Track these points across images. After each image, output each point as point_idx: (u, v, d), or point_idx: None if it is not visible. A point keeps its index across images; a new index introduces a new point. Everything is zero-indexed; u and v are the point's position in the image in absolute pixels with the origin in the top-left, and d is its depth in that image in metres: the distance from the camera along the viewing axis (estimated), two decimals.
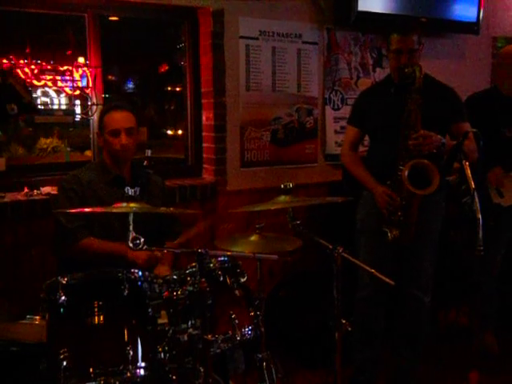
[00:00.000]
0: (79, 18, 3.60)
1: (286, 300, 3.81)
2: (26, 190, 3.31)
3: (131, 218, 1.82)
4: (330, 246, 2.13)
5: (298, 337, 3.59)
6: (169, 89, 5.26)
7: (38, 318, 2.32)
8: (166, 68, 5.22)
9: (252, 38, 3.90)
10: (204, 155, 3.96)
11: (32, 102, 0.83)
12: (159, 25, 4.13)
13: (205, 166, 3.96)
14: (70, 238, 2.56)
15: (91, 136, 3.67)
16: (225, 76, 3.82)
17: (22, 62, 3.43)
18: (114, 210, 1.94)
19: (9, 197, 3.22)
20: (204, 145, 3.95)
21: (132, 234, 1.81)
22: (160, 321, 2.00)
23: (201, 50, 3.89)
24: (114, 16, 3.73)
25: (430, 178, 2.80)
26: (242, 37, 3.86)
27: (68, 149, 5.27)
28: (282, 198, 2.33)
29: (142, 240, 1.81)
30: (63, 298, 1.85)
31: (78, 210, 2.22)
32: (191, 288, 1.97)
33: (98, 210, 2.14)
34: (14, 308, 2.26)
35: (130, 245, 1.80)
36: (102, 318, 1.85)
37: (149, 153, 3.51)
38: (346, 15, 4.12)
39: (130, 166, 2.81)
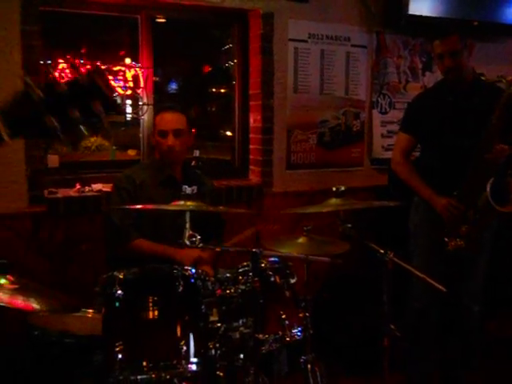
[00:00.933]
0: (133, 19, 3.68)
1: (330, 303, 3.79)
2: (77, 186, 3.40)
3: (188, 216, 1.85)
4: (382, 251, 2.12)
5: (342, 340, 3.57)
6: (213, 90, 5.32)
7: (90, 311, 2.38)
8: (211, 69, 5.28)
9: (301, 41, 3.91)
10: (250, 157, 3.98)
11: (115, 101, 0.87)
12: (205, 27, 4.19)
13: (251, 167, 3.99)
14: (121, 237, 2.62)
15: (141, 135, 3.74)
16: (273, 78, 3.84)
17: (77, 61, 3.54)
18: (172, 208, 1.98)
19: (61, 193, 3.32)
20: (251, 146, 3.97)
21: (189, 232, 1.84)
22: (211, 318, 2.03)
23: (250, 52, 3.92)
24: (165, 18, 3.80)
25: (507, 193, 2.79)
26: (291, 39, 3.87)
27: (114, 147, 5.39)
28: (334, 200, 2.32)
29: (198, 237, 1.84)
30: (119, 292, 1.90)
31: (138, 206, 2.27)
32: (243, 287, 2.00)
33: (157, 207, 2.18)
34: (68, 300, 2.31)
35: (187, 242, 1.83)
36: (156, 312, 1.89)
37: (197, 153, 3.56)
38: (395, 18, 4.09)
39: (182, 166, 2.86)
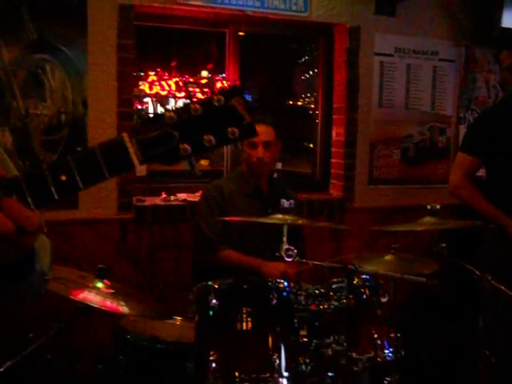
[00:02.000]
0: (220, 33, 3.76)
1: (411, 323, 3.68)
2: (163, 195, 3.49)
3: (285, 229, 1.85)
4: (478, 273, 2.04)
5: (425, 362, 3.46)
6: (290, 103, 5.32)
7: (178, 318, 2.43)
8: (291, 82, 5.29)
9: (387, 55, 3.86)
10: (332, 170, 3.96)
11: (252, 124, 0.81)
12: (284, 40, 4.21)
13: (332, 181, 3.96)
14: (210, 246, 2.66)
15: (224, 147, 3.79)
16: (358, 92, 3.80)
17: (166, 75, 3.66)
18: (269, 221, 1.99)
19: (149, 201, 3.42)
20: (332, 160, 3.95)
21: (285, 245, 1.84)
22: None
23: (335, 65, 3.91)
24: (252, 32, 3.85)
25: None
26: (377, 53, 3.83)
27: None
28: (427, 219, 2.26)
29: (295, 252, 1.84)
30: (214, 301, 1.92)
31: (234, 218, 2.30)
32: (336, 303, 1.97)
33: (254, 220, 2.20)
34: (159, 307, 2.37)
35: (284, 255, 1.83)
36: (249, 324, 1.90)
37: (279, 166, 3.57)
38: (486, 31, 3.96)
39: (268, 178, 2.88)
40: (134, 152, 0.80)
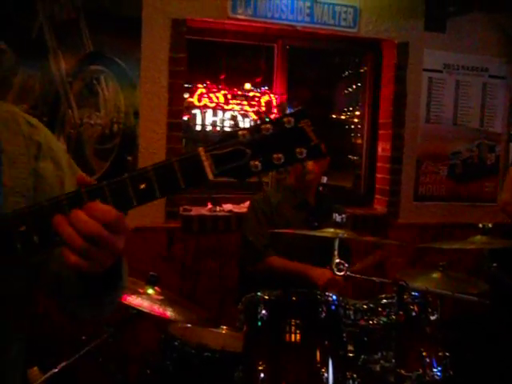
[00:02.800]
0: (269, 47, 3.82)
1: (458, 342, 3.61)
2: (209, 205, 3.54)
3: (337, 243, 1.86)
4: None
5: (472, 382, 3.38)
6: (333, 116, 5.33)
7: (224, 327, 2.46)
8: (334, 96, 5.30)
9: (436, 71, 3.84)
10: (377, 185, 3.94)
11: (320, 146, 0.85)
12: (328, 53, 4.23)
13: (377, 196, 3.94)
14: (256, 255, 2.68)
15: None
16: (405, 108, 3.79)
17: (215, 87, 3.73)
18: (321, 234, 2.00)
19: (195, 210, 3.48)
20: (377, 175, 3.94)
21: (337, 259, 1.85)
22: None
23: (382, 81, 3.91)
24: (299, 46, 3.89)
25: None
26: (425, 69, 3.82)
27: None
28: (479, 237, 2.24)
29: (346, 265, 1.84)
30: (263, 312, 1.94)
31: (286, 230, 2.33)
32: (386, 319, 1.96)
33: (304, 232, 2.22)
34: (207, 315, 2.41)
35: (334, 269, 1.84)
36: (298, 336, 1.91)
37: (324, 179, 3.57)
38: None
39: (315, 191, 2.89)
40: (208, 165, 0.84)
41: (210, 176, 0.85)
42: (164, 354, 2.28)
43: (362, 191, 4.02)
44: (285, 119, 0.87)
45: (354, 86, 4.96)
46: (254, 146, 0.86)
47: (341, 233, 1.90)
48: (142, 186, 0.84)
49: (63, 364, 1.99)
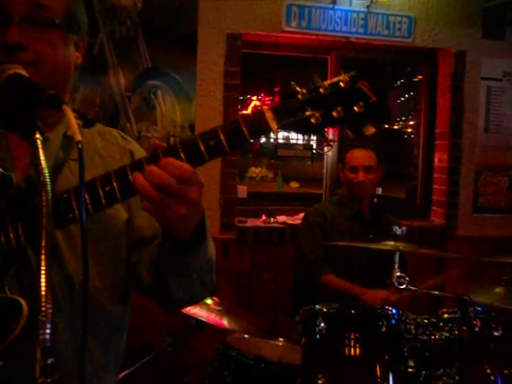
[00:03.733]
0: (322, 59, 3.82)
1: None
2: (264, 217, 3.56)
3: (397, 256, 1.84)
4: None
5: None
6: (386, 126, 5.26)
7: (281, 339, 2.46)
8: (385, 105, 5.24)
9: (495, 80, 3.74)
10: (434, 197, 3.86)
11: (379, 103, 0.89)
12: (380, 63, 4.19)
13: (434, 208, 3.86)
14: (312, 271, 2.68)
15: (324, 171, 3.83)
16: (463, 118, 3.71)
17: (269, 100, 3.76)
18: (381, 247, 1.98)
19: (250, 222, 3.50)
20: (434, 186, 3.86)
21: (397, 273, 1.82)
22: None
23: (438, 90, 3.84)
24: (353, 57, 3.88)
25: None
26: (483, 78, 3.73)
27: (281, 179, 5.57)
28: None
29: (407, 279, 1.82)
30: (322, 325, 1.92)
31: (342, 244, 2.32)
32: (448, 334, 1.91)
33: (363, 245, 2.20)
34: (262, 325, 2.42)
35: (395, 283, 1.82)
36: (357, 350, 1.89)
37: (379, 191, 3.54)
38: None
39: (369, 202, 2.87)
40: (271, 118, 0.92)
41: (274, 127, 0.92)
42: (221, 363, 2.29)
43: (418, 203, 3.95)
44: (341, 78, 0.93)
45: (407, 96, 4.90)
46: (314, 103, 0.93)
47: (402, 246, 1.87)
48: (212, 143, 0.93)
49: (125, 372, 2.04)
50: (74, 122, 0.87)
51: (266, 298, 3.39)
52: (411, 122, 4.55)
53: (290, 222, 3.45)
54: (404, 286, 1.83)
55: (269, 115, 0.92)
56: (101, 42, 3.30)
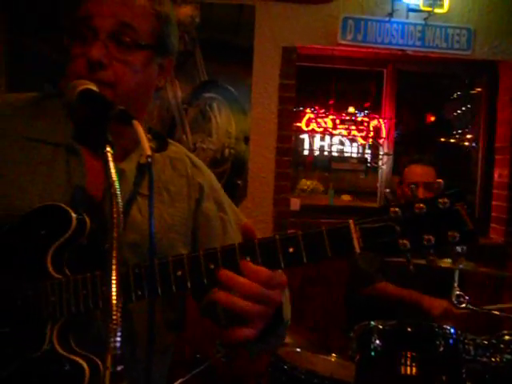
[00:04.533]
0: (378, 72, 3.79)
1: None
2: None
3: (457, 274, 1.79)
4: None
5: None
6: (442, 139, 5.16)
7: (333, 355, 2.43)
8: (434, 119, 5.14)
9: None
10: (493, 214, 3.74)
11: (474, 233, 0.79)
12: (434, 76, 4.11)
13: (493, 225, 3.74)
14: (366, 280, 2.64)
15: (378, 184, 3.78)
16: None
17: (323, 112, 3.76)
18: (439, 264, 1.94)
19: None
20: (494, 203, 3.74)
21: (457, 291, 1.78)
22: None
23: (498, 104, 3.74)
24: (410, 70, 3.83)
25: None
26: None
27: (333, 192, 5.52)
28: None
29: (467, 298, 1.77)
30: (378, 342, 1.90)
31: (400, 259, 2.27)
32: (510, 357, 1.85)
33: (419, 262, 2.15)
34: (315, 340, 2.40)
35: (454, 301, 1.77)
36: (414, 369, 1.85)
37: None
38: None
39: None
40: (356, 238, 0.86)
41: (357, 249, 0.85)
42: (273, 376, 2.29)
43: (477, 219, 3.83)
44: (440, 200, 0.84)
45: (464, 108, 4.78)
46: (405, 224, 0.85)
47: (462, 264, 1.83)
48: (291, 250, 0.89)
49: (179, 381, 2.06)
50: (143, 137, 0.90)
51: (317, 311, 3.36)
52: (468, 136, 4.44)
53: None
54: (464, 305, 1.78)
55: (355, 235, 0.86)
56: None
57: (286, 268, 0.90)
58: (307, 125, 3.73)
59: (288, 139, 3.50)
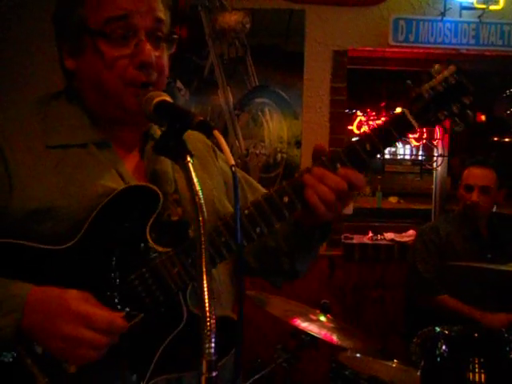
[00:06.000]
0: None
1: None
2: (370, 233, 3.51)
3: None
4: None
5: None
6: (495, 139, 5.03)
7: (395, 361, 2.40)
8: (484, 118, 5.02)
9: None
10: None
11: (472, 89, 1.08)
12: (487, 74, 4.01)
13: None
14: (427, 289, 2.61)
15: (433, 187, 3.71)
16: None
17: (374, 115, 3.73)
18: (506, 268, 1.89)
19: (356, 239, 3.47)
20: None
21: None
22: None
23: None
24: (465, 69, 3.75)
25: None
26: None
27: (380, 194, 5.46)
28: None
29: None
30: (444, 348, 1.87)
31: (463, 263, 2.24)
32: None
33: (484, 266, 2.12)
34: (377, 346, 2.37)
35: None
36: (482, 375, 1.81)
37: (494, 208, 3.38)
38: None
39: (489, 223, 2.74)
40: (412, 119, 1.09)
41: (416, 126, 1.10)
42: (335, 382, 2.28)
43: None
44: (448, 75, 1.13)
45: None
46: (437, 100, 1.11)
47: None
48: (368, 147, 1.08)
49: None
50: (226, 146, 0.91)
51: (374, 316, 3.33)
52: None
53: (398, 239, 3.38)
54: None
55: (410, 117, 1.09)
56: (211, 64, 3.43)
57: (370, 161, 1.09)
58: (358, 127, 3.70)
59: (340, 142, 3.48)
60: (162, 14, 1.10)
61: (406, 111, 1.09)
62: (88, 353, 0.94)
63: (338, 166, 1.06)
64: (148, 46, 1.05)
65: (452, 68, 1.15)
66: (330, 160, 1.07)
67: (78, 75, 1.12)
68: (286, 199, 1.06)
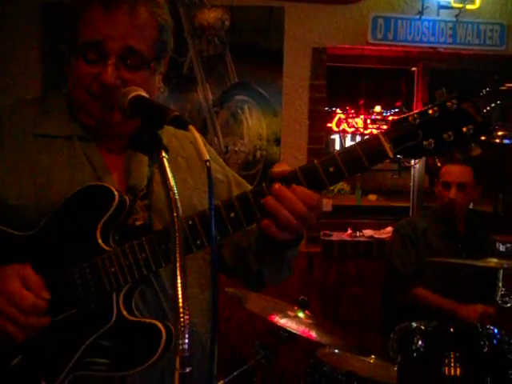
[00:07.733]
0: (409, 71, 3.76)
1: None
2: (349, 230, 3.53)
3: (501, 274, 1.77)
4: None
5: None
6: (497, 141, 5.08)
7: (372, 356, 2.42)
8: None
9: None
10: None
11: (485, 122, 0.93)
12: (464, 72, 4.07)
13: None
14: (402, 283, 2.63)
15: (411, 184, 3.75)
16: None
17: (353, 112, 3.75)
18: (483, 264, 1.92)
19: (335, 236, 3.48)
20: None
21: (502, 291, 1.76)
22: None
23: None
24: (442, 68, 3.79)
25: None
26: None
27: (360, 192, 5.50)
28: None
29: None
30: (420, 343, 1.89)
31: (441, 259, 2.27)
32: None
33: (463, 262, 2.14)
34: (355, 342, 2.38)
35: (499, 301, 1.75)
36: (458, 370, 1.83)
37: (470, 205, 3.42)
38: None
39: (465, 219, 2.77)
40: (387, 146, 0.98)
41: (390, 154, 0.98)
42: (313, 378, 2.29)
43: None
44: (448, 103, 0.98)
45: (493, 105, 4.70)
46: (425, 127, 0.98)
47: (506, 263, 1.81)
48: (331, 170, 1.00)
49: (221, 382, 2.08)
50: (201, 142, 0.91)
51: (353, 312, 3.34)
52: (500, 133, 4.36)
53: (377, 235, 3.40)
54: (509, 305, 1.76)
55: (385, 143, 0.98)
56: (190, 61, 3.42)
57: (331, 185, 1.02)
58: (338, 125, 3.73)
59: (319, 140, 3.50)
60: (138, 42, 1.13)
61: (382, 136, 0.97)
62: (14, 330, 1.01)
63: (293, 184, 1.01)
64: (110, 70, 1.10)
65: (455, 94, 1.00)
66: (286, 180, 1.01)
67: (69, 79, 1.19)
68: (232, 215, 1.03)
